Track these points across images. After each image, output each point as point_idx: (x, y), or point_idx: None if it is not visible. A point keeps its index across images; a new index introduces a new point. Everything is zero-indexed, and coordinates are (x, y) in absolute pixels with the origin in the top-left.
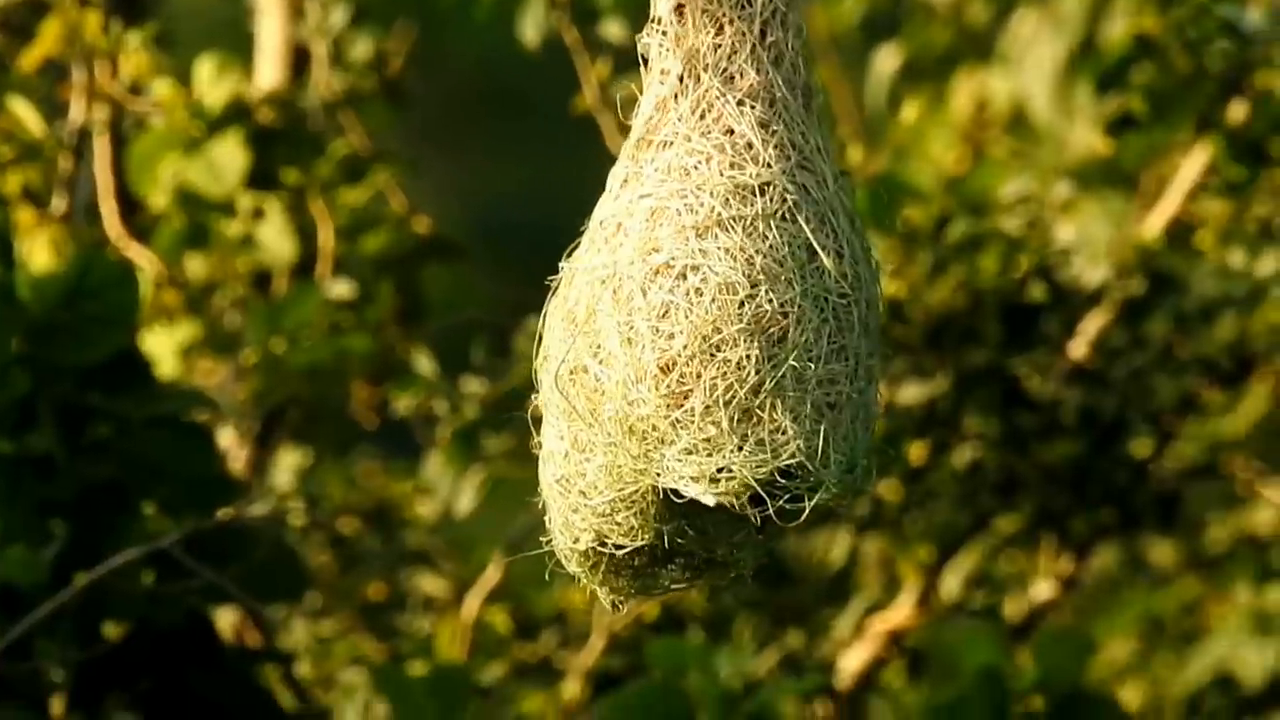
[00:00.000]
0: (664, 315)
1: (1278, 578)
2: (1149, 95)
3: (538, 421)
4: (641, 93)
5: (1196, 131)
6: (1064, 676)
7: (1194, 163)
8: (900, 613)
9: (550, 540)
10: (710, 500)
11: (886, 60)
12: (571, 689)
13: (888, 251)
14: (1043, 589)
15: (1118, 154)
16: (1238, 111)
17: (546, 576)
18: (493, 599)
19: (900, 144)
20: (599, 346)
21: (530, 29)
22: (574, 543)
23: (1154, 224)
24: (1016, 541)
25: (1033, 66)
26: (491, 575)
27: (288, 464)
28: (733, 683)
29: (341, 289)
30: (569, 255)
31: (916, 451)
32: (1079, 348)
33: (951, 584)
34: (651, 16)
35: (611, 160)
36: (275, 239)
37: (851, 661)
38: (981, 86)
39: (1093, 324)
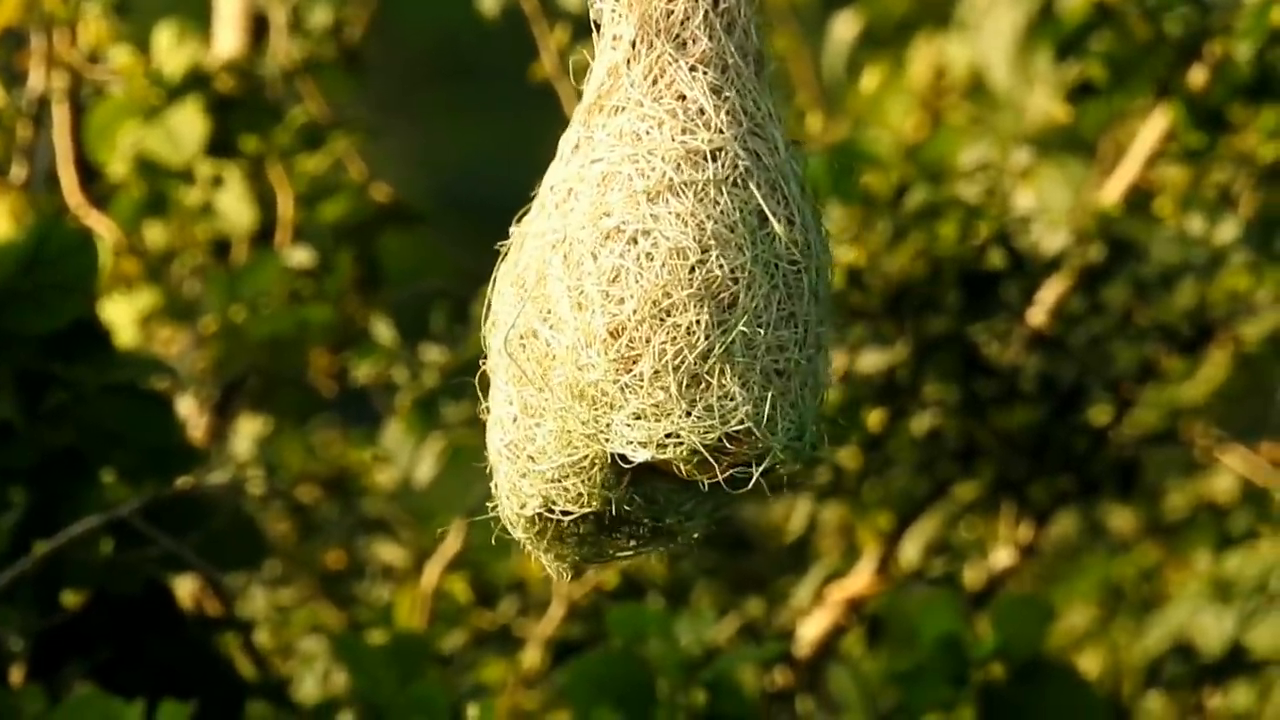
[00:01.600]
0: (614, 280)
1: (1237, 545)
2: (1108, 62)
3: (486, 387)
4: (594, 59)
5: (1156, 98)
6: (1023, 644)
7: (1153, 129)
8: (859, 580)
9: (496, 506)
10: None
11: (845, 27)
12: (531, 657)
13: (847, 219)
14: (1002, 556)
15: (1077, 121)
16: (1197, 78)
17: (493, 542)
18: (452, 567)
19: (859, 111)
20: (549, 311)
21: None
22: (520, 508)
23: (1113, 191)
24: (976, 509)
25: (991, 33)
26: (451, 544)
27: (247, 432)
28: (692, 650)
29: (301, 256)
30: (519, 220)
31: (876, 419)
32: (1038, 315)
33: (911, 552)
34: None
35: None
36: (234, 207)
37: (811, 629)
38: (940, 53)
39: (1052, 291)
